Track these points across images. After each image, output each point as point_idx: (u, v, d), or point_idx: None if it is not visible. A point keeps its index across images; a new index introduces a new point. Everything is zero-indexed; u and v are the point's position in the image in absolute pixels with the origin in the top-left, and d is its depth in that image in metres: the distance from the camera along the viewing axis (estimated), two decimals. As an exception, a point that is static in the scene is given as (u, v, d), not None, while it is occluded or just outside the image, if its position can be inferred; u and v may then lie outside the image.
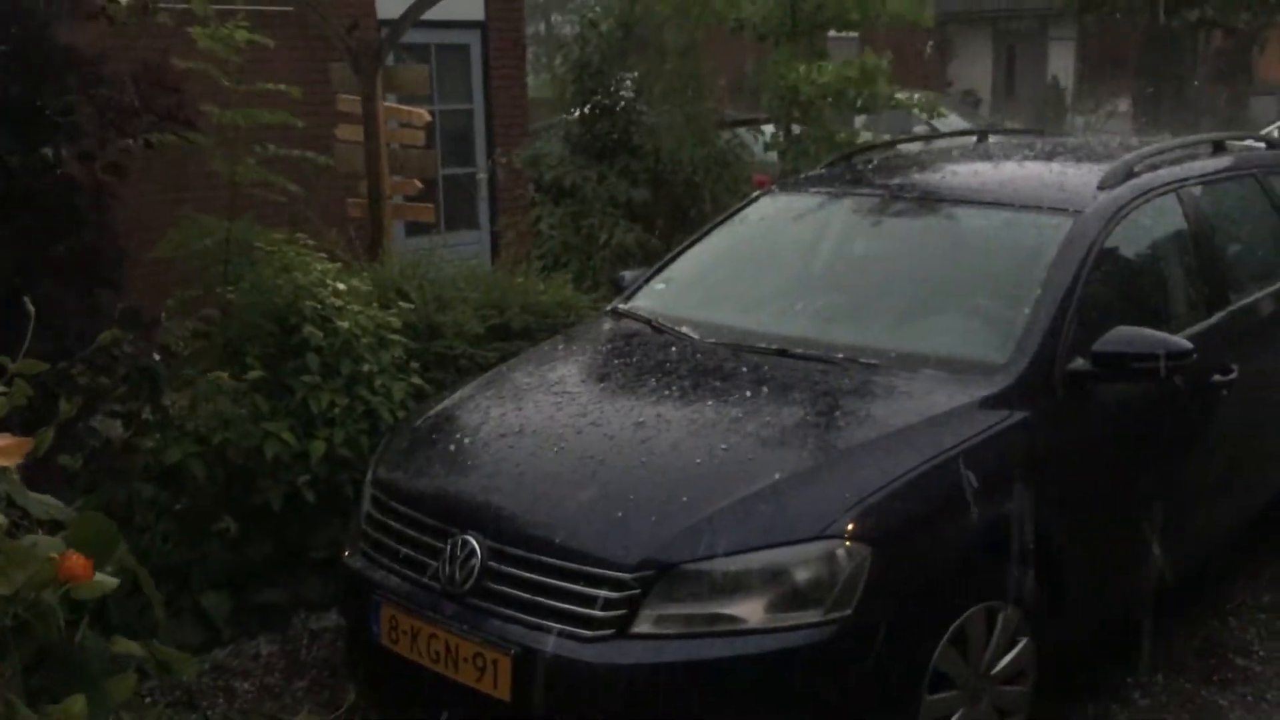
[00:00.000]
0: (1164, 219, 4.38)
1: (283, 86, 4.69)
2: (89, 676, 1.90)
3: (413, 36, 7.78)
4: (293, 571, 4.47)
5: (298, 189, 4.78)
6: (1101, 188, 4.14)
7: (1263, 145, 5.73)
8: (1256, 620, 4.48)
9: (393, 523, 3.43)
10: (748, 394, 3.59)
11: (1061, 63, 25.30)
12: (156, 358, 4.08)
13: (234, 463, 4.29)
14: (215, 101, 4.61)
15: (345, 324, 4.54)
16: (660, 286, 4.60)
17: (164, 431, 4.25)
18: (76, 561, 1.86)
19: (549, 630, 2.98)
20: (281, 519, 4.38)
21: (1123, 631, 4.10)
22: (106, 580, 1.93)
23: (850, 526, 2.98)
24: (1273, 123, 15.44)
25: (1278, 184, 5.18)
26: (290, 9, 6.46)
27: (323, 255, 4.87)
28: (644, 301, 4.49)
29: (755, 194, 5.08)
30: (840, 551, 2.96)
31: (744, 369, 3.75)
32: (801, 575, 2.94)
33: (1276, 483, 4.91)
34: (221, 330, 4.55)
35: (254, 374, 4.36)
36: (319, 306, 4.53)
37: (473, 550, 3.14)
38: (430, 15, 6.66)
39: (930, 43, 25.26)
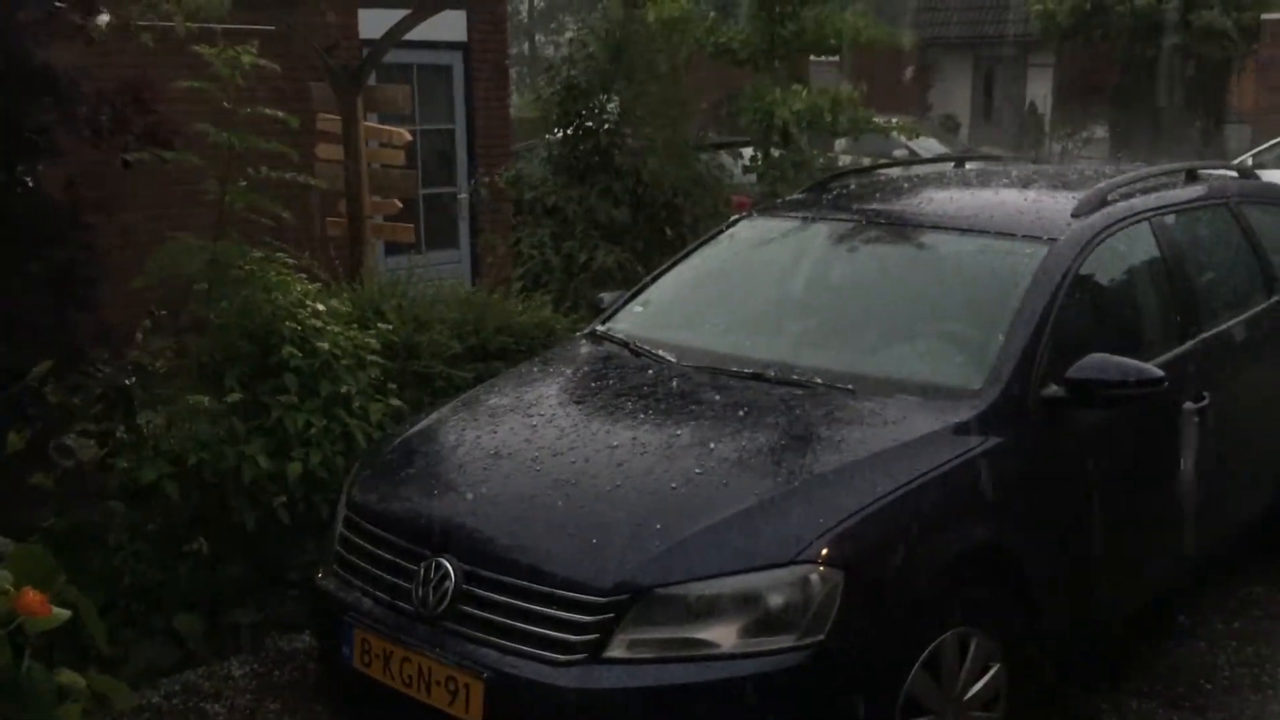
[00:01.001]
0: (1137, 247, 4.42)
1: (280, 114, 4.71)
2: (40, 706, 1.89)
3: (395, 56, 7.80)
4: (266, 592, 4.46)
5: (288, 215, 4.79)
6: (1076, 215, 4.18)
7: (1235, 174, 5.79)
8: (1227, 646, 4.51)
9: (366, 545, 3.42)
10: (723, 418, 3.60)
11: (1040, 88, 25.50)
12: (131, 377, 4.07)
13: (209, 483, 4.27)
14: (210, 122, 4.62)
15: (325, 345, 4.54)
16: (638, 309, 4.62)
17: (138, 451, 4.22)
18: (33, 597, 1.85)
19: (522, 654, 2.97)
20: (256, 540, 4.37)
21: (1095, 656, 4.12)
22: (60, 613, 1.93)
23: (824, 552, 2.99)
24: (1246, 151, 15.61)
25: (1250, 213, 5.24)
26: (270, 28, 6.46)
27: (302, 275, 4.87)
28: (622, 324, 4.50)
29: (734, 218, 5.10)
30: (814, 577, 2.96)
31: (720, 393, 3.76)
32: (775, 600, 2.94)
33: (1248, 510, 4.95)
34: (200, 351, 4.54)
35: (232, 397, 4.35)
36: (298, 328, 4.53)
37: (446, 573, 3.13)
38: (412, 36, 6.69)
39: (910, 68, 25.47)
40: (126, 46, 4.83)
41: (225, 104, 4.61)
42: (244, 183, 4.68)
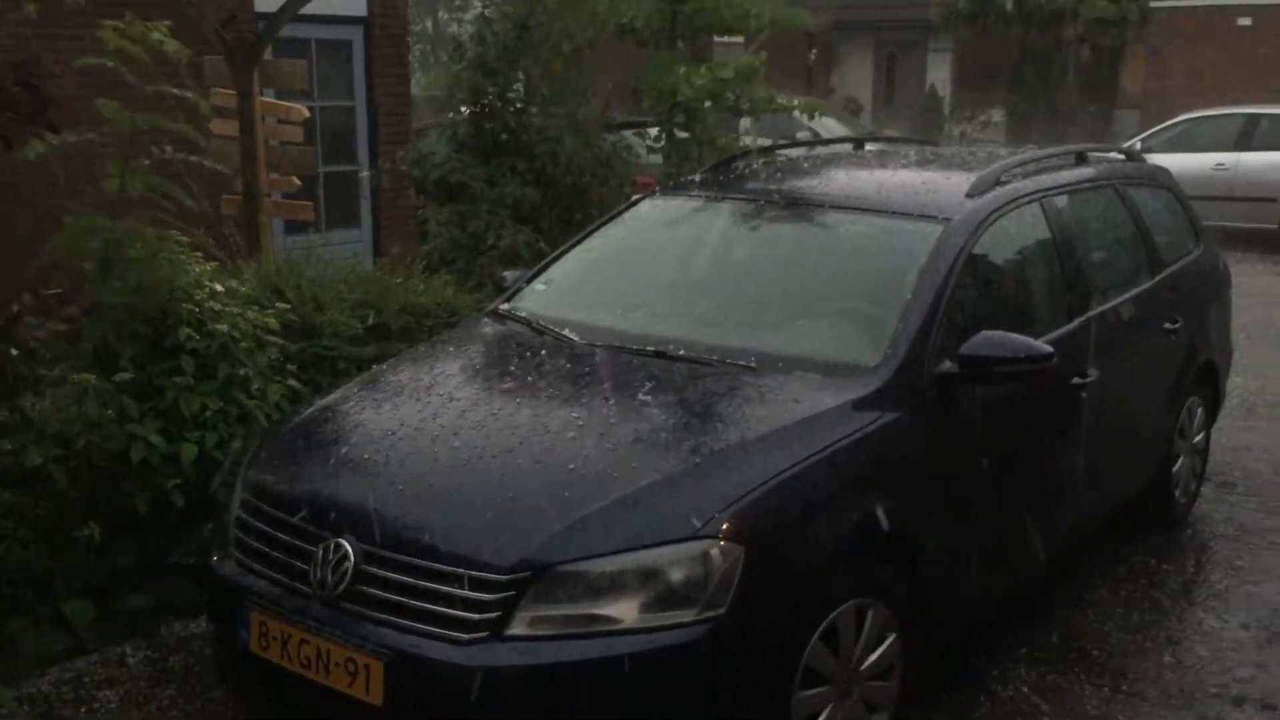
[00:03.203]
0: (1028, 227, 4.54)
1: (190, 94, 4.58)
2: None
3: (292, 31, 7.63)
4: (161, 577, 4.36)
5: (191, 203, 4.67)
6: (970, 196, 4.27)
7: (1122, 157, 5.97)
8: (1114, 613, 4.67)
9: (263, 526, 3.36)
10: (625, 396, 3.61)
11: (940, 73, 25.99)
12: (13, 355, 3.94)
13: (99, 466, 4.16)
14: (105, 99, 4.48)
15: (223, 327, 4.44)
16: (541, 288, 4.60)
17: (23, 434, 4.10)
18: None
19: (423, 634, 2.95)
20: (149, 524, 4.27)
21: (988, 625, 4.24)
22: None
23: (725, 526, 3.02)
24: (1135, 136, 16.08)
25: (1135, 195, 5.42)
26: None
27: (199, 255, 4.76)
28: (525, 302, 4.49)
29: (636, 197, 5.11)
30: (714, 551, 2.99)
31: (623, 371, 3.77)
32: (676, 575, 2.97)
33: (1133, 480, 5.13)
34: (92, 331, 4.41)
35: (122, 375, 4.24)
36: (195, 309, 4.42)
37: (345, 554, 3.10)
38: (310, 10, 6.54)
39: (814, 50, 25.72)
40: (9, 17, 4.66)
41: (128, 79, 4.47)
42: (146, 162, 4.56)
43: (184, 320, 4.36)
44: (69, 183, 5.27)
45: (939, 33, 24.98)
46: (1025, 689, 4.09)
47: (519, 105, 7.37)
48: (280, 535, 3.30)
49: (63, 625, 4.11)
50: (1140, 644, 4.43)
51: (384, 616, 3.02)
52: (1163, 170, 6.11)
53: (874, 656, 3.41)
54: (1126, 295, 4.96)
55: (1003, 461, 4.02)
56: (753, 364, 3.73)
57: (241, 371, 4.45)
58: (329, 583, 3.10)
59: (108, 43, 4.48)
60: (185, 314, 4.38)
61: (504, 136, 7.26)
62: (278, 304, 4.98)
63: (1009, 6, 20.89)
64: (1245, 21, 18.20)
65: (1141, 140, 15.19)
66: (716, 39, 10.62)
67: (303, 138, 7.22)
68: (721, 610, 2.96)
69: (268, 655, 3.20)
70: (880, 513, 3.45)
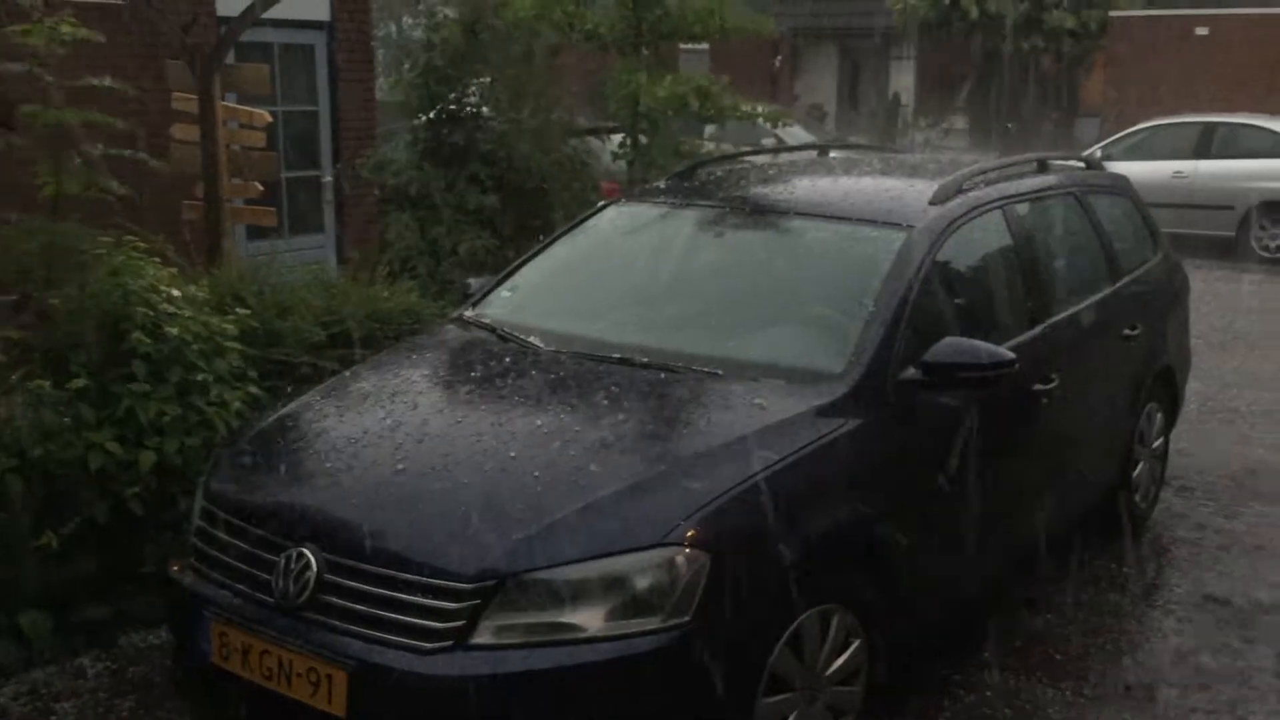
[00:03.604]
0: (991, 234, 4.57)
1: (108, 81, 4.49)
2: None
3: (254, 35, 7.59)
4: (120, 588, 4.30)
5: (128, 191, 4.60)
6: (933, 203, 4.30)
7: (1083, 165, 6.03)
8: (1076, 617, 4.71)
9: (224, 536, 3.33)
10: (590, 403, 3.61)
11: (903, 80, 26.18)
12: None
13: (56, 475, 4.10)
14: (42, 101, 4.41)
15: (175, 330, 4.39)
16: (506, 294, 4.59)
17: (-23, 444, 4.03)
18: None
19: (386, 643, 2.93)
20: (107, 533, 4.21)
21: (952, 630, 4.26)
22: None
23: (690, 534, 3.02)
24: (1096, 144, 16.26)
25: (1096, 202, 5.47)
26: (122, 2, 6.22)
27: (155, 260, 4.71)
28: (489, 309, 4.47)
29: (602, 204, 5.11)
30: (679, 559, 2.99)
31: (587, 378, 3.76)
32: (641, 583, 2.96)
33: (1094, 485, 5.17)
34: (44, 338, 4.35)
35: (77, 382, 4.18)
36: (150, 313, 4.37)
37: (308, 563, 3.07)
38: (273, 14, 6.50)
39: (778, 57, 25.85)
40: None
41: (46, 79, 4.40)
42: (79, 161, 4.48)
43: (138, 325, 4.31)
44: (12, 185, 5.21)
45: (902, 41, 25.17)
46: (988, 693, 4.11)
47: (473, 110, 7.35)
48: (241, 545, 3.27)
49: (19, 637, 4.04)
50: (1101, 647, 4.47)
51: (347, 626, 2.99)
52: (1122, 178, 6.17)
53: (839, 662, 3.42)
54: (1087, 302, 5.00)
55: (965, 468, 4.04)
56: (718, 371, 3.73)
57: (199, 377, 4.39)
58: (291, 592, 3.06)
59: (17, 39, 4.40)
60: (139, 318, 4.33)
61: (462, 143, 7.24)
62: (237, 310, 4.94)
63: (973, 15, 21.08)
64: (1203, 31, 18.44)
65: (1102, 148, 15.36)
66: (682, 46, 10.65)
67: (265, 143, 7.18)
68: (687, 617, 2.95)
69: (228, 666, 3.17)
70: (845, 519, 3.46)
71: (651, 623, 2.94)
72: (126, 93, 4.57)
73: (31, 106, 4.38)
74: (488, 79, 7.40)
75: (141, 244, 4.70)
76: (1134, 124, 16.24)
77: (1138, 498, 5.55)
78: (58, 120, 4.37)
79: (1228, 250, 14.19)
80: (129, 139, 4.65)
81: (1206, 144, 14.84)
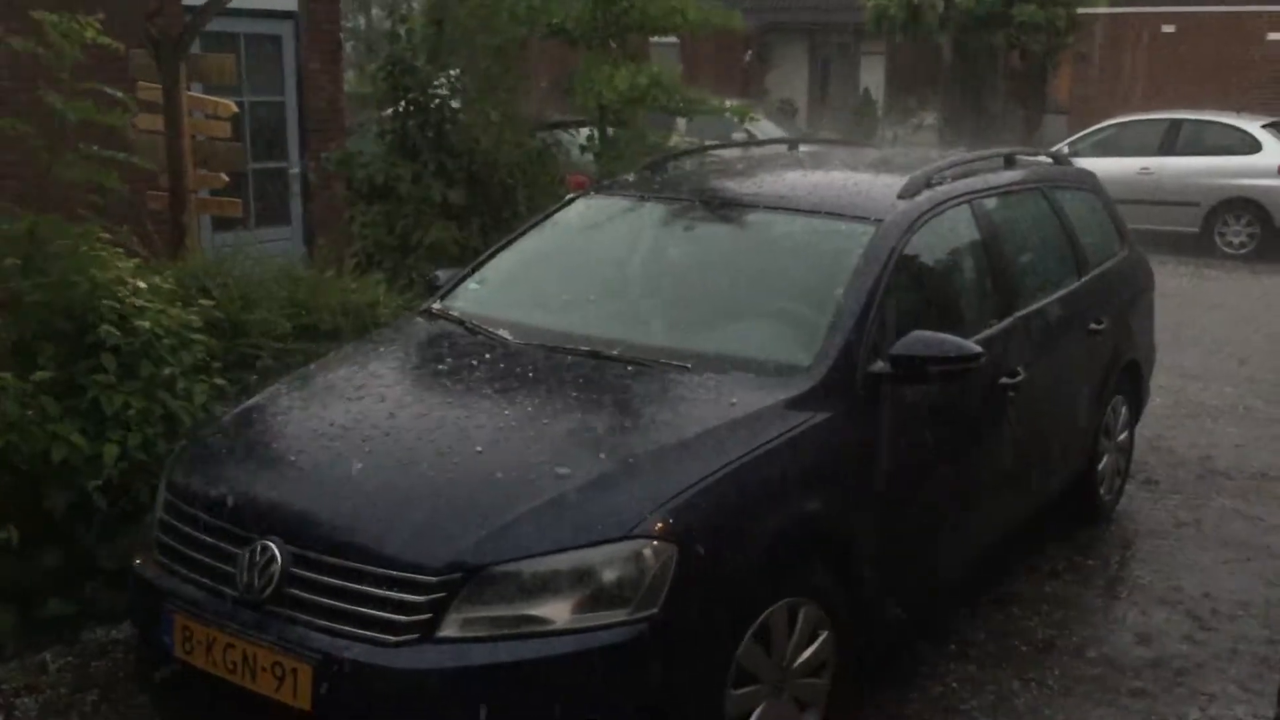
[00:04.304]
0: (958, 228, 4.59)
1: (119, 94, 4.51)
2: None
3: (220, 25, 7.51)
4: (83, 582, 4.25)
5: (123, 188, 4.60)
6: (901, 197, 4.31)
7: (1050, 161, 6.07)
8: (1041, 609, 4.74)
9: (188, 529, 3.29)
10: (559, 395, 3.60)
11: (873, 76, 26.25)
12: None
13: (18, 468, 4.05)
14: (34, 91, 4.41)
15: (146, 324, 4.34)
16: (474, 287, 4.57)
17: (-63, 435, 3.97)
18: None
19: (352, 636, 2.91)
20: (70, 527, 4.16)
21: (918, 621, 4.28)
22: None
23: (658, 526, 3.01)
24: (1063, 140, 16.37)
25: (1062, 197, 5.51)
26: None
27: (120, 251, 4.66)
28: (458, 302, 4.45)
29: (570, 196, 5.09)
30: (647, 551, 2.98)
31: (556, 371, 3.75)
32: (608, 575, 2.95)
33: (1060, 477, 5.21)
34: (10, 328, 4.29)
35: (41, 374, 4.13)
36: (117, 305, 4.32)
37: (273, 556, 3.04)
38: (239, 3, 6.45)
39: (749, 52, 25.87)
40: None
41: (62, 76, 4.39)
42: (71, 155, 4.47)
43: (105, 317, 4.26)
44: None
45: (872, 36, 25.24)
46: (955, 684, 4.14)
47: (439, 102, 7.31)
48: (205, 538, 3.24)
49: (-21, 631, 4.00)
50: (1067, 639, 4.51)
51: (312, 619, 2.97)
52: (1089, 174, 6.22)
53: (806, 654, 3.42)
54: (1053, 296, 5.04)
55: (932, 460, 4.07)
56: (687, 364, 3.73)
57: (166, 370, 4.35)
58: (255, 585, 3.04)
59: (50, 32, 4.41)
60: (107, 311, 4.28)
61: (430, 134, 7.21)
62: (202, 302, 4.89)
63: (939, 9, 21.17)
64: (1169, 29, 18.62)
65: (1069, 144, 15.47)
66: (652, 39, 10.63)
67: (230, 133, 7.11)
68: (654, 610, 2.95)
69: (192, 660, 3.14)
70: (813, 511, 3.47)
71: (619, 615, 2.93)
72: (130, 105, 4.60)
73: (50, 95, 4.37)
74: (455, 71, 7.36)
75: (106, 235, 4.65)
76: (1101, 120, 16.38)
77: (1103, 490, 5.61)
78: (62, 114, 4.34)
79: (1193, 246, 14.35)
80: (98, 128, 4.63)
81: (1172, 141, 14.99)
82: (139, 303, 4.41)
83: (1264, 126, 14.53)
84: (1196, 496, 6.06)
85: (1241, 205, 14.31)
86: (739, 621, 3.19)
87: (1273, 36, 17.64)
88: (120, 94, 4.63)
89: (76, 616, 4.21)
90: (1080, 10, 20.03)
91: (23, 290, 4.29)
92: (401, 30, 7.30)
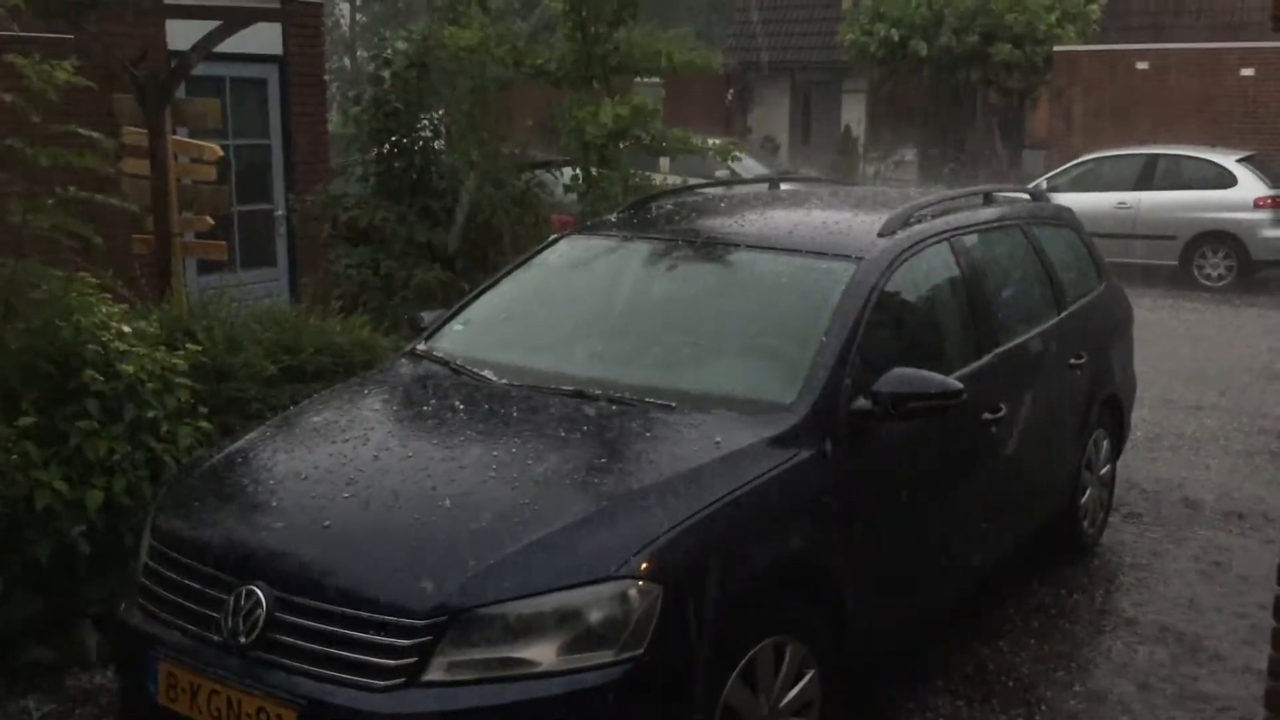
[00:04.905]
0: (938, 265, 4.63)
1: (95, 134, 4.52)
2: None
3: (206, 69, 7.56)
4: (66, 628, 4.23)
5: (99, 240, 4.60)
6: (881, 235, 4.36)
7: (1028, 197, 6.14)
8: (1026, 644, 4.75)
9: (172, 574, 3.29)
10: (543, 436, 3.61)
11: (854, 113, 26.48)
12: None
13: (1, 514, 4.03)
14: (9, 135, 4.41)
15: (129, 368, 4.34)
16: (459, 328, 4.59)
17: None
18: None
19: (337, 681, 2.90)
20: (54, 573, 4.14)
21: (904, 658, 4.28)
22: None
23: (643, 566, 3.02)
24: (1042, 175, 16.54)
25: (1040, 233, 5.57)
26: (70, 37, 6.18)
27: (107, 296, 4.67)
28: (442, 343, 4.47)
29: (554, 236, 5.13)
30: (633, 591, 2.99)
31: (541, 411, 3.77)
32: (594, 616, 2.96)
33: (1043, 512, 5.24)
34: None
35: (25, 419, 4.12)
36: (101, 350, 4.32)
37: (258, 601, 3.04)
38: (225, 48, 6.49)
39: (731, 91, 26.08)
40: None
41: (34, 119, 4.40)
42: (50, 201, 4.48)
43: (89, 362, 4.26)
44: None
45: (853, 73, 25.50)
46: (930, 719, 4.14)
47: (422, 144, 7.36)
48: (190, 583, 3.23)
49: (-39, 680, 3.97)
50: (1052, 674, 4.51)
51: (297, 665, 2.96)
52: (1066, 210, 6.29)
53: (793, 693, 3.43)
54: (1033, 332, 5.08)
55: (915, 497, 4.08)
56: (671, 403, 3.75)
57: (150, 414, 4.35)
58: (240, 631, 3.03)
59: (24, 75, 4.43)
60: (91, 355, 4.29)
61: (414, 176, 7.25)
62: (188, 345, 4.90)
63: (921, 53, 21.42)
64: (1143, 65, 18.85)
65: (1047, 180, 15.63)
66: (637, 80, 10.73)
67: (216, 177, 7.14)
68: (640, 650, 2.96)
69: (176, 707, 3.13)
70: (797, 549, 3.48)
71: (605, 656, 2.93)
72: (106, 145, 4.61)
73: (13, 140, 4.38)
74: (439, 112, 7.42)
75: (92, 279, 4.66)
76: (1079, 156, 16.55)
77: (1086, 524, 5.63)
78: (35, 159, 4.35)
79: (1172, 279, 14.48)
80: (84, 172, 4.64)
81: (1149, 175, 15.15)
82: (123, 347, 4.41)
83: (1239, 161, 14.71)
84: (1180, 529, 6.09)
85: (1218, 238, 14.46)
86: (725, 661, 3.19)
87: (1245, 72, 17.88)
88: (96, 135, 4.62)
89: (60, 663, 4.18)
90: (1056, 49, 20.29)
91: (5, 335, 4.29)
92: (385, 73, 7.36)
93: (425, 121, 7.36)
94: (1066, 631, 4.90)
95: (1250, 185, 14.40)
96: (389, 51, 7.49)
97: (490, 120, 7.43)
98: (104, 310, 4.51)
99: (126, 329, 4.54)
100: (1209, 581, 5.43)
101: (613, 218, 5.25)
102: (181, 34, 7.63)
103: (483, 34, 7.66)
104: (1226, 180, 14.53)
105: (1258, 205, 14.29)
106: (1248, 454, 7.46)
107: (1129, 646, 4.76)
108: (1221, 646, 4.76)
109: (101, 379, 4.26)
